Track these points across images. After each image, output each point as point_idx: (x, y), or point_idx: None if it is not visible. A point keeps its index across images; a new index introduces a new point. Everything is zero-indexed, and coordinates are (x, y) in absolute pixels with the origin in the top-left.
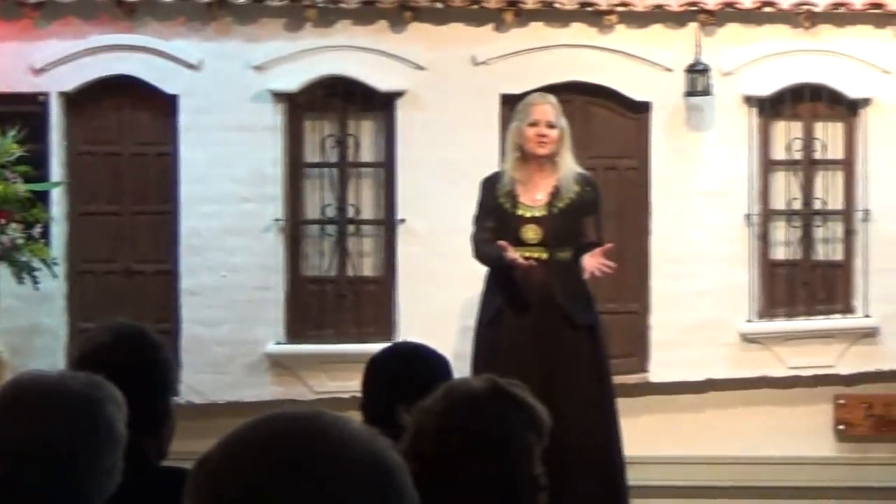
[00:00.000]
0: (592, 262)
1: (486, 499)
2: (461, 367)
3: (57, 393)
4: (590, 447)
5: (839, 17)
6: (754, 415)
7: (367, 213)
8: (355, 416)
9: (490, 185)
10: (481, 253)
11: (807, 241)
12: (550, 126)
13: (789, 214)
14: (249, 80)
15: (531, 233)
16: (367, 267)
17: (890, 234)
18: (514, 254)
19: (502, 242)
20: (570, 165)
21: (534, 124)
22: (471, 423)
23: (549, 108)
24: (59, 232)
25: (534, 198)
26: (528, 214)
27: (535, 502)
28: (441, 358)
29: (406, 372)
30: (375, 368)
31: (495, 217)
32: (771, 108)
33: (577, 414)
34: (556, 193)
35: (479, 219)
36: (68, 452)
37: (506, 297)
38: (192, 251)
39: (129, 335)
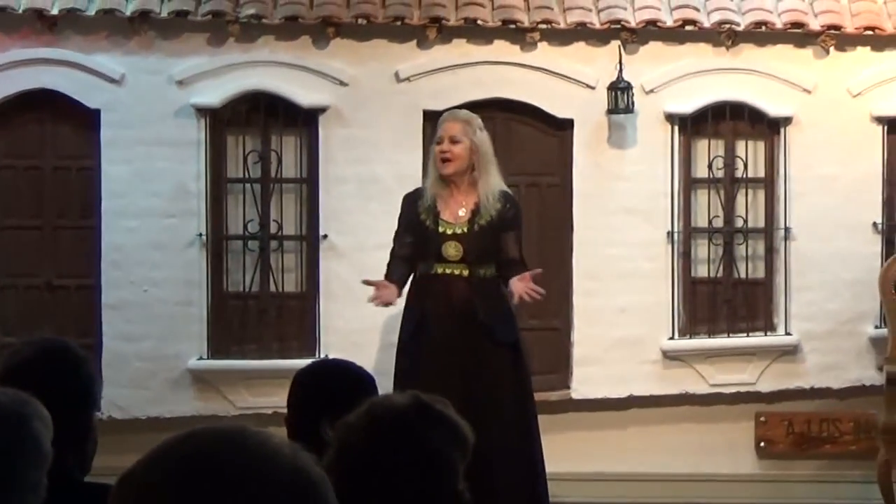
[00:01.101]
0: (521, 287)
1: None
2: (384, 384)
3: None
4: (512, 463)
5: (760, 36)
6: (676, 432)
7: (290, 228)
8: (277, 432)
9: (411, 202)
10: (387, 273)
11: (728, 258)
12: (454, 141)
13: (711, 232)
14: (172, 94)
15: (452, 250)
16: (290, 283)
17: (810, 253)
18: (375, 296)
19: (368, 280)
20: (490, 183)
21: (439, 142)
22: (394, 439)
23: (452, 125)
24: None
25: (455, 214)
26: (449, 231)
27: None
28: (366, 375)
29: (331, 388)
30: (300, 384)
31: (416, 234)
32: (693, 126)
33: (498, 430)
34: (477, 210)
35: (398, 235)
36: None
37: (423, 312)
38: (113, 266)
39: (53, 350)
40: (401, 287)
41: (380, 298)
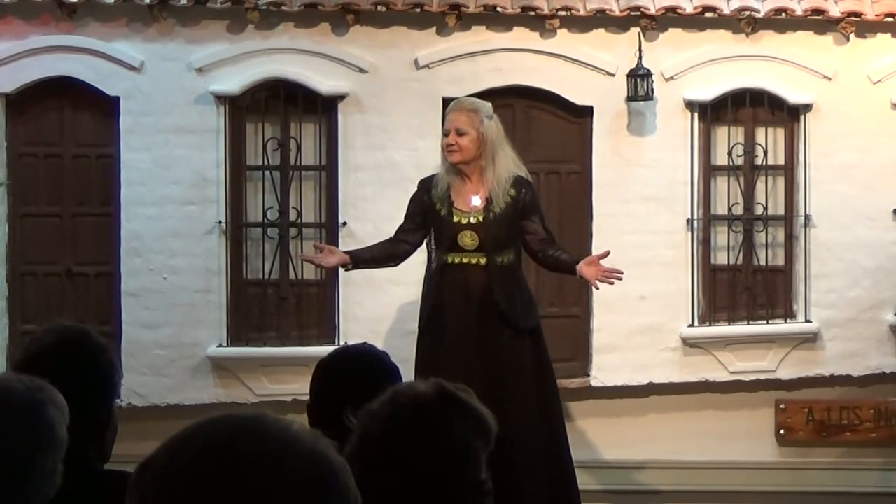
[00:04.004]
0: (593, 273)
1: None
2: (405, 371)
3: None
4: (537, 451)
5: (780, 23)
6: (696, 419)
7: (309, 216)
8: (297, 419)
9: (424, 189)
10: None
11: (748, 246)
12: (460, 133)
13: (731, 219)
14: (191, 82)
15: (468, 239)
16: (309, 270)
17: (830, 240)
18: (310, 255)
19: (317, 244)
20: (499, 171)
21: (446, 133)
22: (417, 428)
23: (458, 116)
24: None
25: (469, 204)
26: (464, 221)
27: None
28: (390, 362)
29: (355, 374)
30: (324, 370)
31: (427, 221)
32: (712, 113)
33: (522, 418)
34: (491, 199)
35: (404, 219)
36: (7, 453)
37: (439, 301)
38: (133, 253)
39: (73, 337)
40: (360, 262)
41: (310, 256)
